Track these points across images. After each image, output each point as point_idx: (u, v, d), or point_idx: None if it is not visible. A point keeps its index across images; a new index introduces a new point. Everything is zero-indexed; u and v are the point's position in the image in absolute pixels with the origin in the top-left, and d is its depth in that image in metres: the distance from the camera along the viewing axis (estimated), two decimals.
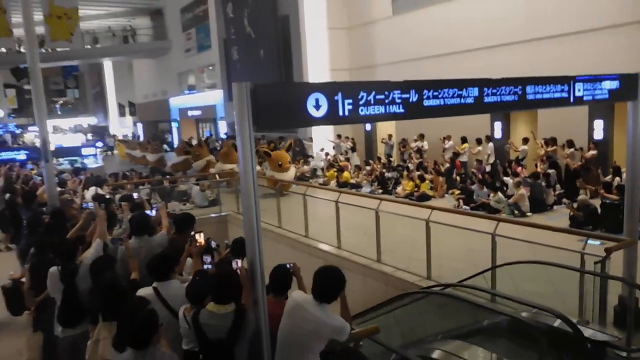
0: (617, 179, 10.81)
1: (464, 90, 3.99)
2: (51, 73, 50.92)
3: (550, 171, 12.28)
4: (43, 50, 18.00)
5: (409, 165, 15.68)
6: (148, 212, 5.72)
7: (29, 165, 16.36)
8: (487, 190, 12.07)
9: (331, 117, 3.39)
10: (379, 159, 17.61)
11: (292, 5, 20.67)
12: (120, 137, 38.94)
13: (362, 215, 9.12)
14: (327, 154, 18.90)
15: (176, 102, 35.03)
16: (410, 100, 3.70)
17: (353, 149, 18.87)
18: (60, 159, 20.06)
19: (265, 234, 11.46)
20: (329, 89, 3.36)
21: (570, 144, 12.72)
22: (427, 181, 14.01)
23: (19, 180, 10.83)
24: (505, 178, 12.85)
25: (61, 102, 56.42)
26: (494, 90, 4.17)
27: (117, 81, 47.18)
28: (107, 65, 46.43)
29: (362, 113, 3.50)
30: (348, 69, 20.26)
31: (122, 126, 47.45)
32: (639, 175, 5.51)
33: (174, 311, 3.65)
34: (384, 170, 15.68)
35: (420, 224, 7.71)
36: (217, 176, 14.18)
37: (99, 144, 33.57)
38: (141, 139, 37.09)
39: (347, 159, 17.70)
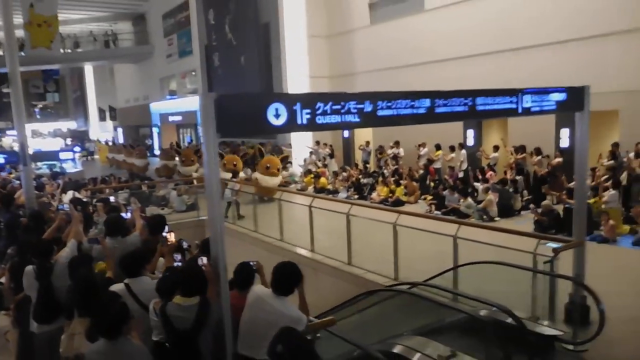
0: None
1: (417, 101, 4.34)
2: (31, 76, 50.43)
3: (518, 178, 12.75)
4: (23, 54, 18.02)
5: (385, 171, 16.06)
6: (123, 214, 5.95)
7: (7, 169, 16.40)
8: (457, 196, 12.48)
9: (290, 126, 3.69)
10: (357, 165, 17.98)
11: (273, 13, 21.02)
12: (104, 141, 38.61)
13: (336, 220, 9.41)
14: (305, 160, 19.23)
15: (157, 107, 35.07)
16: (365, 110, 4.02)
17: (331, 156, 19.19)
18: (39, 164, 20.07)
19: (243, 237, 11.81)
20: (288, 100, 3.67)
21: (537, 151, 13.20)
22: (402, 187, 14.43)
23: None
24: (475, 184, 13.28)
25: (41, 105, 55.86)
26: (445, 102, 4.52)
27: (98, 85, 47.00)
28: (88, 69, 46.25)
29: (319, 122, 3.81)
30: (327, 76, 20.64)
31: (102, 131, 47.18)
32: (585, 181, 5.89)
33: (144, 305, 3.90)
34: (360, 177, 16.04)
35: (391, 228, 8.04)
36: (194, 181, 14.41)
37: (77, 148, 33.43)
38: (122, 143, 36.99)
39: (325, 165, 18.01)
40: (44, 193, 8.84)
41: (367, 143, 18.54)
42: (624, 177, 11.11)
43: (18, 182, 11.79)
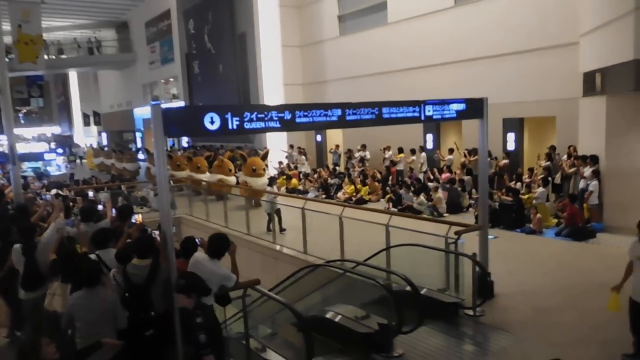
0: (519, 184, 12.53)
1: (329, 111, 5.47)
2: (15, 82, 50.76)
3: (466, 178, 13.95)
4: (7, 60, 18.89)
5: (351, 172, 17.23)
6: (98, 206, 7.02)
7: None
8: (411, 195, 13.67)
9: (222, 130, 4.79)
10: (327, 167, 19.14)
11: (249, 24, 22.14)
12: (91, 145, 39.01)
13: (300, 217, 10.34)
14: (280, 163, 20.32)
15: (140, 112, 35.96)
16: (285, 118, 5.14)
17: (304, 158, 20.32)
18: (24, 166, 21.10)
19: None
20: (221, 110, 4.77)
21: (487, 154, 14.42)
22: (366, 187, 15.62)
23: None
24: (429, 184, 14.48)
25: (25, 111, 56.27)
26: (355, 111, 5.66)
27: (82, 91, 47.69)
28: (72, 75, 46.95)
29: (246, 127, 4.92)
30: (300, 84, 21.80)
31: (86, 136, 47.87)
32: (487, 177, 7.07)
33: (110, 269, 4.98)
34: (327, 178, 17.19)
35: (348, 222, 9.10)
36: (171, 182, 15.40)
37: (60, 150, 34.28)
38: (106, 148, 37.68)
39: (296, 167, 19.13)
40: (30, 190, 9.85)
41: (337, 146, 19.71)
42: (558, 176, 12.36)
43: (4, 182, 12.77)
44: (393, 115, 6.02)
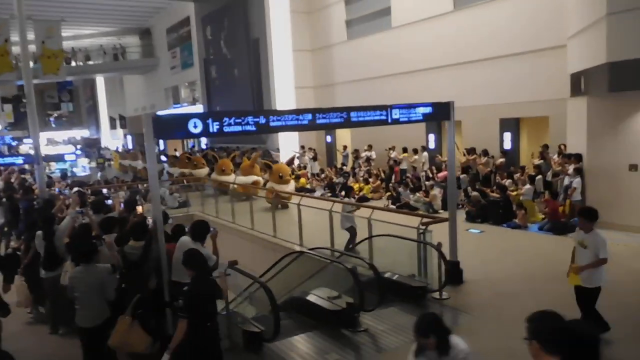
0: (509, 181, 13.13)
1: (301, 115, 6.29)
2: (47, 87, 53.11)
3: (462, 176, 14.59)
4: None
5: (357, 171, 18.01)
6: (107, 200, 8.02)
7: (27, 169, 18.74)
8: (409, 192, 14.38)
9: (205, 132, 5.65)
10: (335, 166, 19.95)
11: (262, 30, 23.13)
12: (120, 149, 40.46)
13: (308, 212, 11.00)
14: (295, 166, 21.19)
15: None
16: (260, 122, 5.97)
17: (315, 159, 21.17)
18: (53, 168, 22.65)
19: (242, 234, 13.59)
20: (203, 116, 5.64)
21: (485, 153, 15.06)
22: (369, 185, 16.40)
23: (16, 181, 13.14)
24: (426, 182, 15.16)
25: (56, 115, 58.57)
26: (324, 116, 6.46)
27: (108, 95, 49.49)
28: (100, 80, 48.79)
29: (225, 130, 5.77)
30: (311, 86, 22.66)
31: (113, 138, 49.62)
32: (455, 173, 7.79)
33: None
34: (333, 177, 18.00)
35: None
36: (184, 181, 16.38)
37: (79, 152, 35.97)
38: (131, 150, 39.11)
39: (304, 167, 20.00)
40: (54, 188, 10.97)
41: (345, 147, 20.51)
42: (549, 173, 12.92)
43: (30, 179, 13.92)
44: (361, 119, 6.80)
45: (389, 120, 7.06)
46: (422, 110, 7.39)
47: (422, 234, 7.61)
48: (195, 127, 5.58)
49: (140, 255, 5.41)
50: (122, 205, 7.72)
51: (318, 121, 6.41)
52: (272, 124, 6.07)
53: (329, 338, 6.27)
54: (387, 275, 7.96)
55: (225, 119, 5.76)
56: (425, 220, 7.61)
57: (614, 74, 9.27)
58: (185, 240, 5.57)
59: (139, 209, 6.76)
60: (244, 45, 24.77)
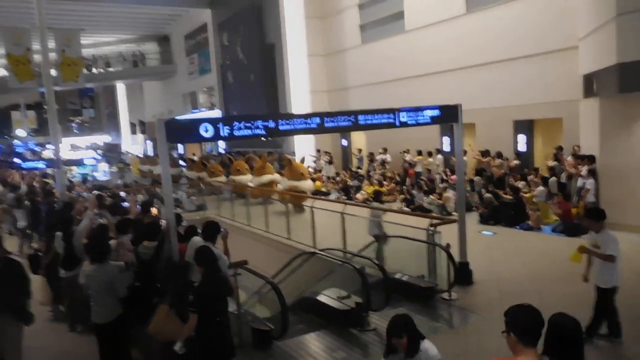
0: (522, 182, 13.11)
1: (309, 119, 6.46)
2: (68, 94, 54.22)
3: (475, 178, 14.61)
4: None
5: (371, 174, 18.12)
6: (124, 203, 8.28)
7: (50, 174, 19.34)
8: (422, 194, 14.45)
9: (215, 136, 5.85)
10: (350, 169, 20.09)
11: (277, 36, 23.41)
12: (141, 154, 40.86)
13: (322, 215, 11.18)
14: (307, 167, 21.38)
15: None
16: (269, 126, 6.16)
17: (330, 162, 21.34)
18: (75, 172, 23.40)
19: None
20: (214, 121, 5.84)
21: (498, 155, 15.06)
22: (384, 187, 16.50)
23: (39, 184, 13.59)
24: (440, 185, 15.21)
25: (78, 121, 59.77)
26: (332, 119, 6.62)
27: (128, 101, 50.28)
28: (120, 86, 49.62)
29: (236, 134, 5.97)
30: (326, 90, 22.84)
31: (133, 143, 50.36)
32: (463, 176, 7.88)
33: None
34: (348, 180, 18.14)
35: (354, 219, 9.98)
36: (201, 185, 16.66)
37: (98, 156, 36.77)
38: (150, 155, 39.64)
39: (319, 171, 20.17)
40: (74, 191, 11.33)
41: (359, 150, 20.64)
42: (563, 175, 12.89)
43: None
44: (369, 122, 6.94)
45: (397, 124, 7.20)
46: (429, 113, 7.49)
47: (431, 235, 7.70)
48: (206, 131, 5.78)
49: (153, 254, 5.61)
50: (138, 207, 7.98)
51: (326, 125, 6.57)
52: (281, 127, 6.25)
53: (338, 337, 6.41)
54: (397, 276, 8.09)
55: (236, 123, 5.96)
56: (434, 221, 7.68)
57: (624, 75, 9.25)
58: (197, 240, 5.76)
59: (153, 210, 7.00)
60: (259, 50, 25.08)
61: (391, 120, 7.14)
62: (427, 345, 3.68)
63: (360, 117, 6.84)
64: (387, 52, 19.50)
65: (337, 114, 6.68)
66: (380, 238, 9.23)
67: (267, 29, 24.64)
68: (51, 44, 11.24)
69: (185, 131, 5.82)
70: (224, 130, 5.89)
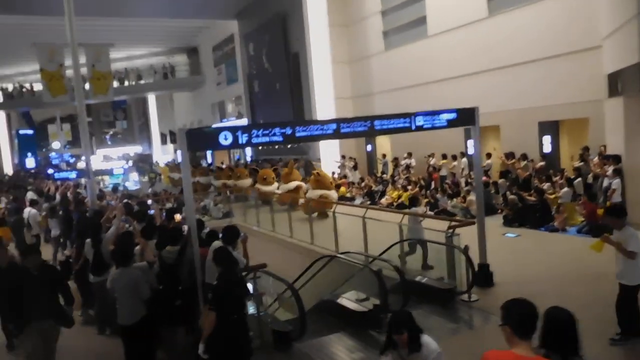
0: (547, 184, 12.98)
1: (325, 125, 6.63)
2: (102, 106, 55.86)
3: (500, 181, 14.51)
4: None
5: (396, 179, 18.17)
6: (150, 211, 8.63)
7: (83, 184, 20.18)
8: (446, 198, 14.44)
9: (234, 144, 6.07)
10: (375, 175, 20.16)
11: (302, 44, 23.73)
12: (165, 163, 41.84)
13: (345, 220, 11.43)
14: (333, 172, 21.55)
15: None
16: (287, 133, 6.35)
17: (355, 167, 21.46)
18: (107, 182, 24.27)
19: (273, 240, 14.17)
20: (232, 129, 6.06)
21: (524, 157, 14.93)
22: (408, 192, 16.51)
23: (71, 194, 14.17)
24: (465, 188, 15.15)
25: (111, 132, 61.52)
26: (348, 125, 6.77)
27: (159, 112, 51.43)
28: (151, 98, 50.86)
29: (254, 141, 6.18)
30: (350, 97, 22.99)
31: (164, 153, 51.43)
32: (481, 177, 7.91)
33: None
34: (372, 185, 18.22)
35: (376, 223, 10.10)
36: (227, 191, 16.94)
37: (126, 166, 37.79)
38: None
39: (345, 177, 20.30)
40: (105, 200, 11.79)
41: (384, 155, 20.72)
42: (590, 176, 12.71)
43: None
44: (385, 127, 7.07)
45: (413, 128, 7.28)
46: (446, 116, 7.56)
47: (450, 238, 7.74)
48: (225, 139, 6.00)
49: (176, 258, 5.85)
50: (163, 214, 8.29)
51: (342, 130, 6.72)
52: (297, 134, 6.43)
53: (356, 338, 6.52)
54: (417, 278, 8.16)
55: (254, 131, 6.17)
56: (452, 224, 7.73)
57: None
58: (217, 244, 5.98)
59: (177, 217, 7.28)
60: (284, 59, 25.45)
61: (407, 125, 7.23)
62: (427, 339, 3.76)
63: (377, 122, 6.97)
64: (411, 57, 19.56)
65: (353, 120, 6.84)
66: (420, 243, 9.17)
67: (292, 38, 25.00)
68: (82, 59, 11.78)
69: (205, 140, 6.07)
70: (242, 138, 6.10)
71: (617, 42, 10.94)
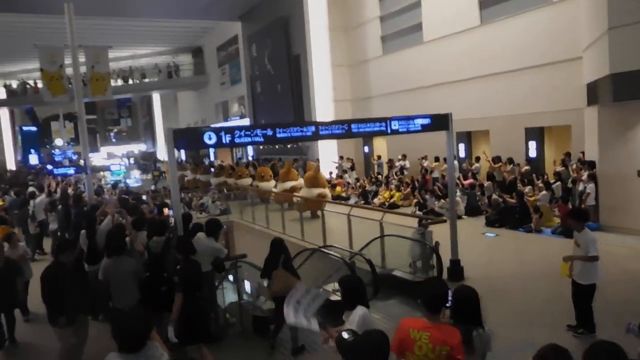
0: (529, 187, 13.47)
1: (305, 127, 7.15)
2: (107, 104, 56.76)
3: (486, 183, 15.00)
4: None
5: (390, 179, 18.69)
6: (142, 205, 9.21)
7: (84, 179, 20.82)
8: (434, 199, 14.94)
9: (218, 143, 6.61)
10: (371, 176, 20.68)
11: (302, 47, 24.28)
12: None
13: (335, 219, 12.08)
14: (330, 173, 22.07)
15: None
16: (267, 134, 6.88)
17: (352, 168, 21.99)
18: (108, 179, 24.95)
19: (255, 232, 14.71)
20: (216, 130, 6.61)
21: (510, 161, 15.42)
22: (400, 192, 17.05)
23: (71, 190, 14.77)
24: None
25: (115, 130, 62.31)
26: (327, 128, 7.30)
27: (164, 111, 52.20)
28: (155, 97, 51.64)
29: (237, 141, 6.72)
30: (349, 99, 23.53)
31: None
32: (455, 181, 8.41)
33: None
34: (366, 185, 18.74)
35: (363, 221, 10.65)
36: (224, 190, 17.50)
37: (123, 163, 38.43)
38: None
39: (341, 177, 20.83)
40: (102, 196, 12.36)
41: (379, 157, 21.24)
42: (570, 180, 13.18)
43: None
44: (361, 130, 7.59)
45: (389, 131, 7.81)
46: (420, 121, 8.08)
47: (422, 235, 8.27)
48: (210, 139, 6.54)
49: (162, 248, 6.40)
50: (154, 209, 8.87)
51: (321, 132, 7.25)
52: (278, 135, 6.96)
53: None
54: (394, 272, 8.69)
55: (237, 132, 6.71)
56: (424, 222, 8.25)
57: (617, 85, 9.63)
58: (200, 235, 6.53)
59: (166, 211, 7.87)
60: (285, 61, 26.01)
61: (383, 129, 7.76)
62: (361, 310, 3.77)
63: (354, 126, 7.49)
64: (407, 62, 20.08)
65: (331, 123, 7.36)
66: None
67: (293, 41, 25.57)
68: (82, 59, 12.34)
69: (190, 139, 6.61)
70: (226, 138, 6.64)
71: (593, 54, 11.44)
